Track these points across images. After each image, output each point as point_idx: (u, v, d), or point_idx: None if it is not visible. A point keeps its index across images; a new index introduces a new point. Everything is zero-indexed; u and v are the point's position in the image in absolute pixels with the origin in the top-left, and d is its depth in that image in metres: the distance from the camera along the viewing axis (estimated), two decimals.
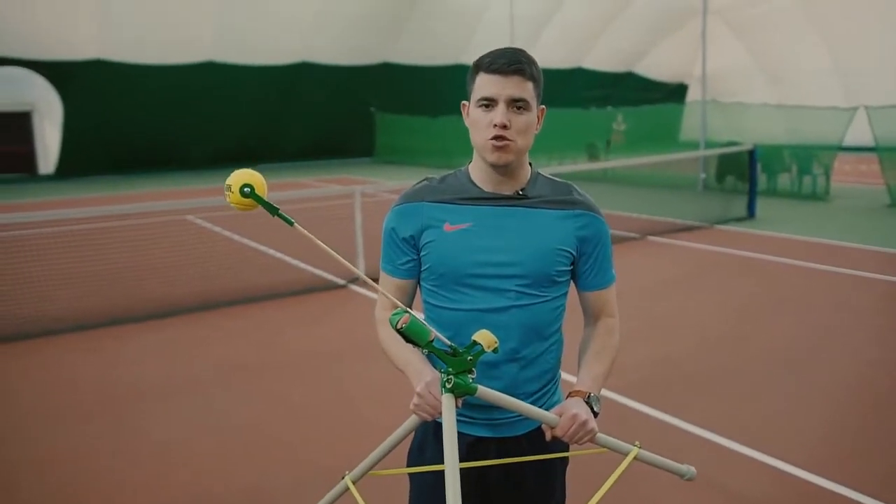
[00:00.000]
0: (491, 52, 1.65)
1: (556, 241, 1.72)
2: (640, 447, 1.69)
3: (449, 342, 1.46)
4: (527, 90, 1.63)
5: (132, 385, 4.83)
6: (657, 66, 27.04)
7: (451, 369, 1.46)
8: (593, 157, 18.29)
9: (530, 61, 1.64)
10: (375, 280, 1.80)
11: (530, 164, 1.78)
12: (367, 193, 9.28)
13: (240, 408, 4.42)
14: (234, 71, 20.54)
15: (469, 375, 1.48)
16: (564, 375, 1.90)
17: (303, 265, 8.25)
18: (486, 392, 1.52)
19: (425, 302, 1.81)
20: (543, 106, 1.73)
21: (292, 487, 3.41)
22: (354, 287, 7.31)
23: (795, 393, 4.44)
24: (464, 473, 1.78)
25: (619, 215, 11.10)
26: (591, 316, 1.85)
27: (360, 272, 1.38)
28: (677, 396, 4.40)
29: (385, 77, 23.15)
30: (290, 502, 3.31)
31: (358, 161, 23.74)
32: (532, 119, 1.67)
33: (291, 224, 1.30)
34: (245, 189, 1.23)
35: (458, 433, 1.78)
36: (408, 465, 1.85)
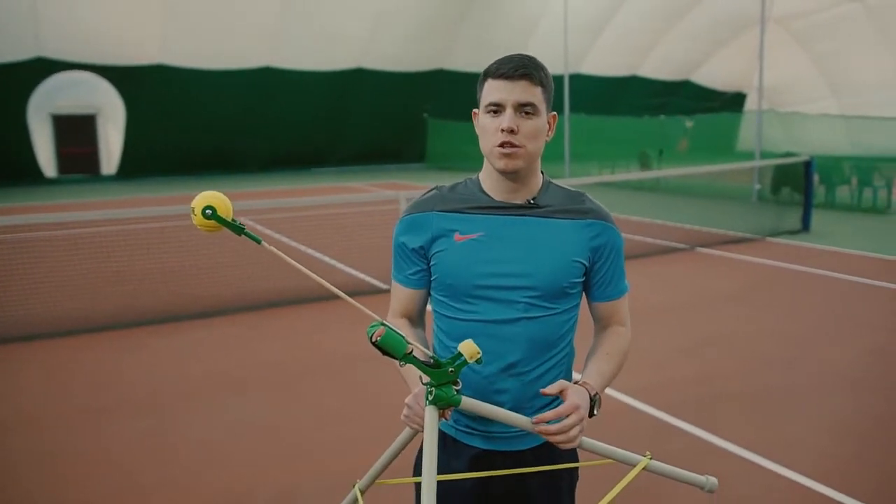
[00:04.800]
0: (499, 59, 1.65)
1: (569, 252, 1.69)
2: (650, 458, 1.64)
3: (430, 354, 1.45)
4: (535, 95, 1.62)
5: (177, 383, 4.96)
6: (715, 75, 26.55)
7: (432, 381, 1.45)
8: (645, 166, 18.05)
9: (538, 66, 1.63)
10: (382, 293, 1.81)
11: (542, 172, 1.77)
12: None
13: (276, 410, 4.49)
14: (291, 76, 20.96)
15: (454, 387, 1.47)
16: (575, 376, 1.84)
17: (347, 269, 8.34)
18: (470, 403, 1.50)
19: (435, 311, 1.80)
20: (555, 112, 1.72)
21: (320, 495, 3.43)
22: None
23: (843, 418, 4.29)
24: (466, 490, 1.77)
25: (667, 225, 10.91)
26: (602, 325, 1.83)
27: (336, 290, 1.38)
28: (719, 415, 4.28)
29: (439, 83, 23.27)
30: None
31: (410, 167, 23.95)
32: (541, 124, 1.65)
33: (259, 242, 1.29)
34: (207, 211, 1.23)
35: (464, 445, 1.79)
36: (414, 472, 1.85)
